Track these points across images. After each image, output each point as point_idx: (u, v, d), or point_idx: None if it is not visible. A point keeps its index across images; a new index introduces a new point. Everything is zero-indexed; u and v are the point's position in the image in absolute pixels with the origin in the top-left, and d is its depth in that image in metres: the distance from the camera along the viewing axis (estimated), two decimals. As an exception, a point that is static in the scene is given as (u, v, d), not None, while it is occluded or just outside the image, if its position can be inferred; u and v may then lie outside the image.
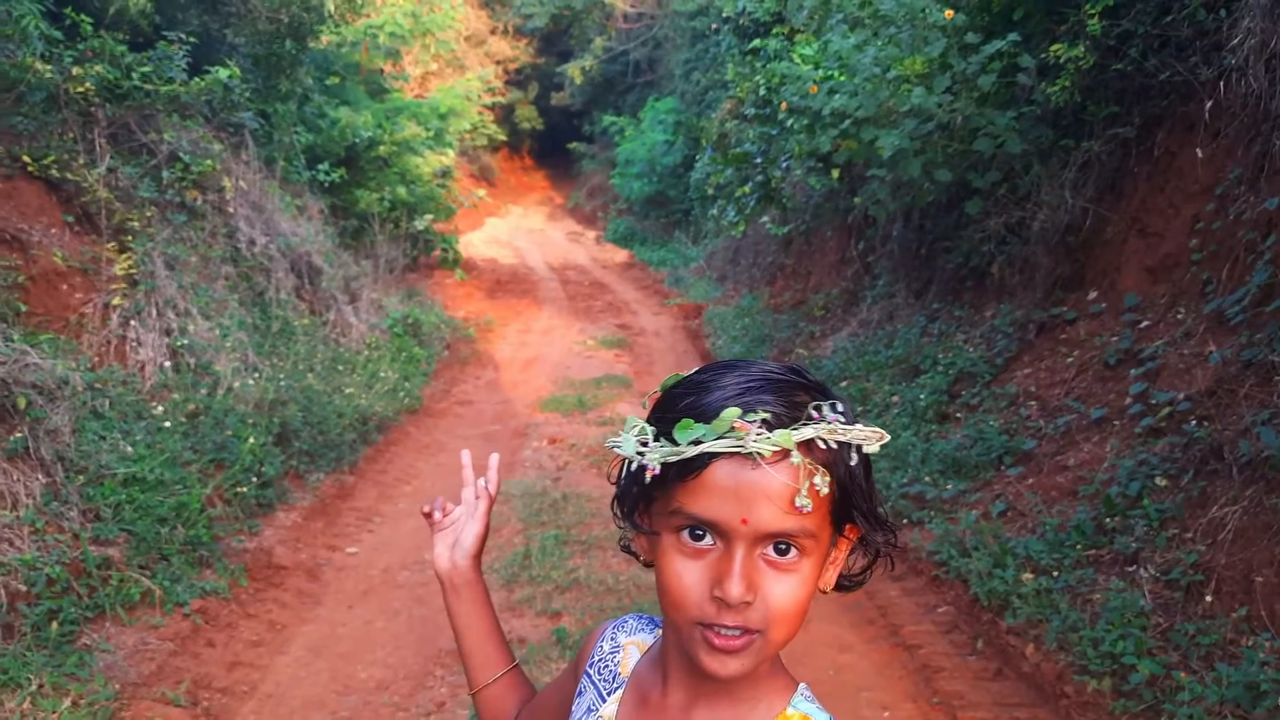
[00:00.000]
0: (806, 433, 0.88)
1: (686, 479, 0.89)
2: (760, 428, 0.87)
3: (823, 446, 0.89)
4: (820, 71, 7.47)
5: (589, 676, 1.14)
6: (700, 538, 0.91)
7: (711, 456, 0.88)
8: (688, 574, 0.91)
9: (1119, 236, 6.09)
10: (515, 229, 22.03)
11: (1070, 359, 5.95)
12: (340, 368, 8.31)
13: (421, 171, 12.99)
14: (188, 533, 4.94)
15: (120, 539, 4.70)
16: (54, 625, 4.02)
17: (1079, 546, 4.52)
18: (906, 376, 7.33)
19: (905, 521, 5.49)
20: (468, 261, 14.96)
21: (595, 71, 25.01)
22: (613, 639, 1.15)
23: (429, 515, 1.30)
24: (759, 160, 10.21)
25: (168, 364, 6.29)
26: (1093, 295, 6.20)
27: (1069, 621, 4.06)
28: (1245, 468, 4.11)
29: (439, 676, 4.26)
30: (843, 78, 7.14)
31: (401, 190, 12.31)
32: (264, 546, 5.37)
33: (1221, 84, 5.21)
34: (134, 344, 6.19)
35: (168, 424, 5.72)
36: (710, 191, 13.43)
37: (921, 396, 6.81)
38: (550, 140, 28.85)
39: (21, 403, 4.66)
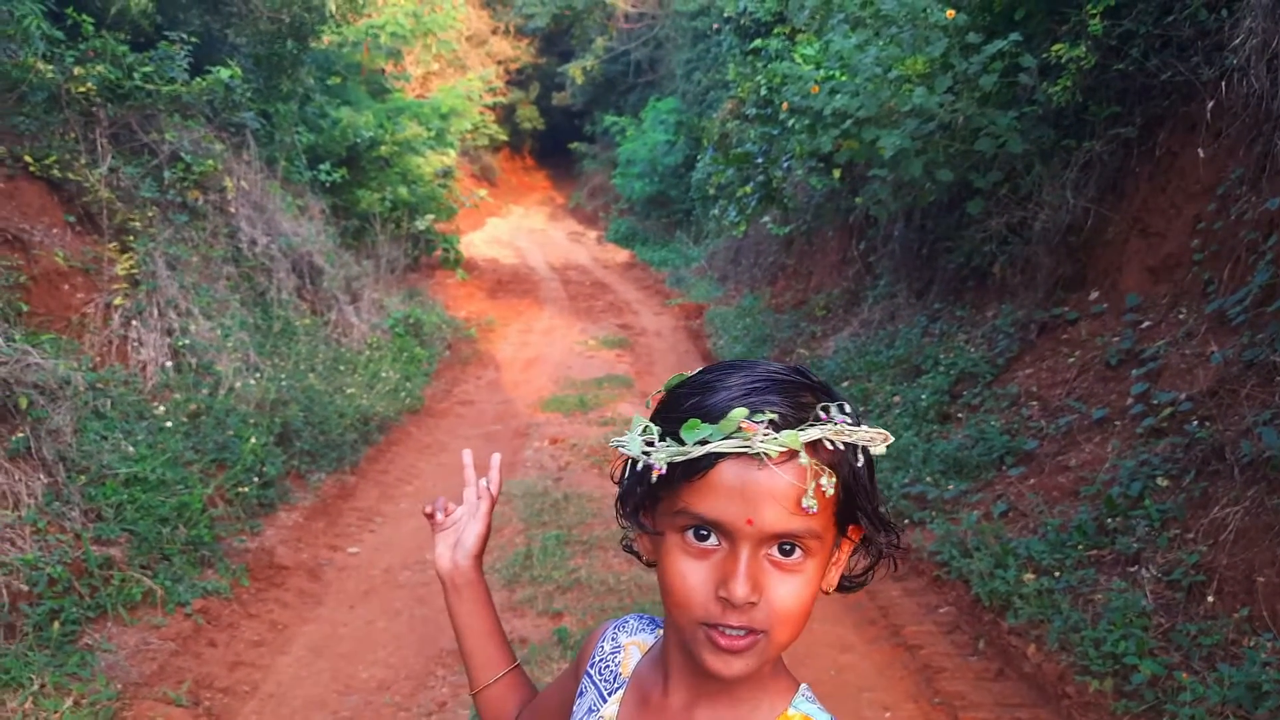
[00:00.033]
0: (814, 434, 0.89)
1: (692, 479, 0.89)
2: (767, 428, 0.88)
3: (829, 448, 0.89)
4: (821, 71, 7.46)
5: (590, 677, 1.13)
6: (705, 538, 0.91)
7: (718, 457, 0.88)
8: (692, 574, 0.91)
9: (1120, 236, 6.09)
10: (516, 229, 22.02)
11: (1072, 359, 5.95)
12: (342, 368, 8.31)
13: (423, 171, 12.99)
14: (189, 533, 4.94)
15: (122, 539, 4.70)
16: (56, 625, 4.02)
17: (1080, 547, 4.52)
18: (908, 376, 7.33)
19: (907, 522, 5.49)
20: (469, 261, 14.95)
21: (596, 71, 25.01)
22: (614, 639, 1.15)
23: (430, 515, 1.30)
24: (760, 160, 10.21)
25: (169, 364, 6.29)
26: (1094, 295, 6.20)
27: (1070, 622, 4.06)
28: (1247, 468, 4.11)
29: (440, 676, 4.26)
30: (844, 78, 7.14)
31: (403, 190, 12.32)
32: (265, 546, 5.37)
33: (1223, 84, 5.20)
34: (135, 344, 6.19)
35: (169, 424, 5.73)
36: (711, 191, 13.42)
37: (923, 397, 6.80)
38: (551, 140, 28.86)
39: (23, 403, 4.67)
